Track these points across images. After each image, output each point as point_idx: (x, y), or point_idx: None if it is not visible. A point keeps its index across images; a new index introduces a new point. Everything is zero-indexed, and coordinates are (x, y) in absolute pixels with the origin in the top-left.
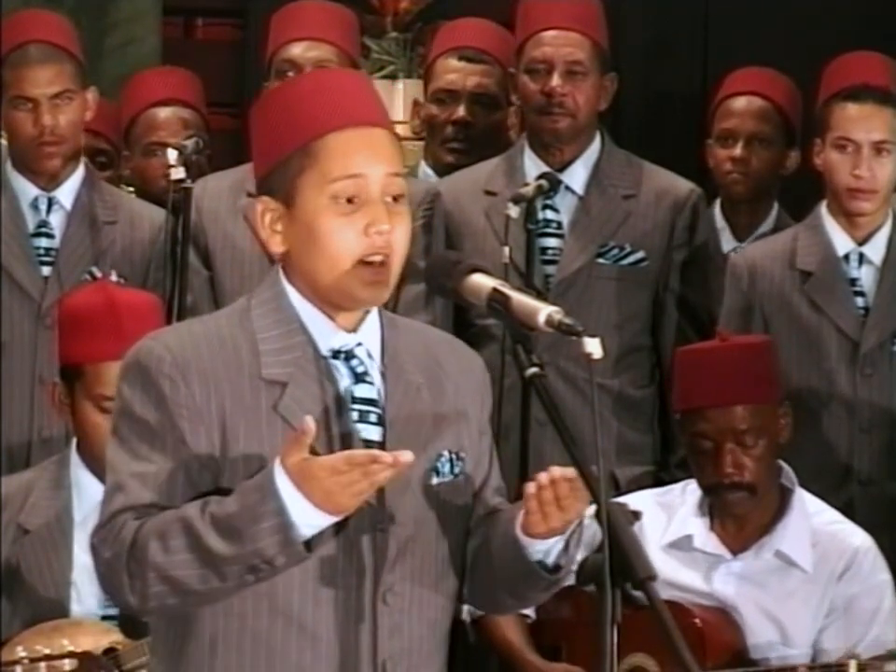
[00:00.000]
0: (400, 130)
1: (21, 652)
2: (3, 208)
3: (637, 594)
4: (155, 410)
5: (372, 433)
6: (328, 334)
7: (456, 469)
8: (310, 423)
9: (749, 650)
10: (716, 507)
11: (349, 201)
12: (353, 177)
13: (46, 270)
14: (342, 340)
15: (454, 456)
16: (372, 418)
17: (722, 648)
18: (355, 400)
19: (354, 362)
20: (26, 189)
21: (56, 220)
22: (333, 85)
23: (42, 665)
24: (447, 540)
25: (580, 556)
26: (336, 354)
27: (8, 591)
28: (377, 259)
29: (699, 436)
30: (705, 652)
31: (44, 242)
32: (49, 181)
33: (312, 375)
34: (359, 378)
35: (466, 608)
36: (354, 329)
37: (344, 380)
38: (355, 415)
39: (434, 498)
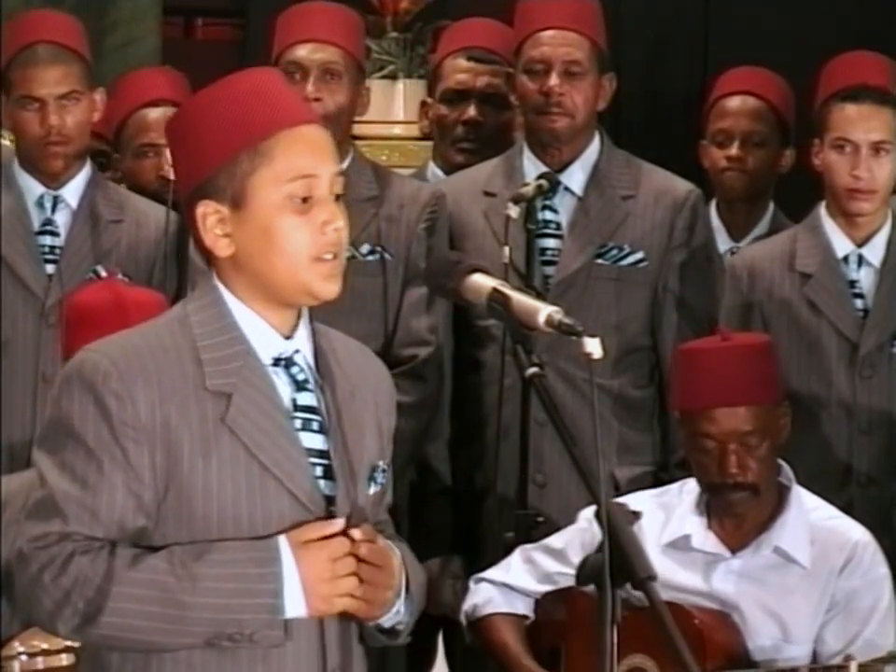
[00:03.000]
0: (400, 130)
1: (18, 648)
2: (9, 206)
3: (637, 594)
4: (96, 427)
5: (316, 441)
6: (267, 342)
7: (383, 480)
8: (342, 522)
9: (750, 648)
10: (717, 506)
11: (305, 200)
12: (307, 177)
13: (50, 268)
14: (281, 347)
15: (385, 467)
16: (314, 426)
17: (722, 649)
18: (297, 408)
19: (294, 370)
20: (32, 188)
21: (61, 219)
22: (267, 84)
23: (39, 659)
24: None
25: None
26: (276, 362)
27: (9, 592)
28: (330, 255)
29: (703, 436)
30: (705, 654)
31: (48, 240)
32: (55, 180)
33: (255, 385)
34: (300, 386)
35: (463, 608)
36: (290, 336)
37: (286, 388)
38: (298, 423)
39: (368, 508)
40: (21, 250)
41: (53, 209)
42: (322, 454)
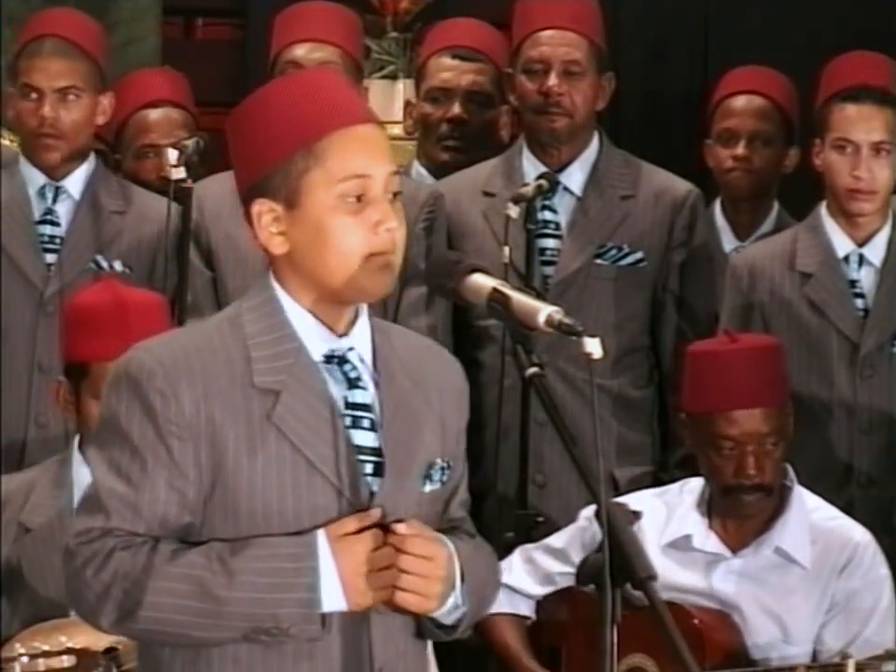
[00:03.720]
0: (400, 130)
1: (19, 649)
2: (10, 196)
3: (637, 593)
4: (141, 425)
5: (366, 439)
6: (319, 339)
7: (444, 478)
8: (378, 513)
9: (750, 648)
10: (728, 507)
11: (358, 199)
12: (359, 177)
13: (50, 257)
14: (334, 345)
15: (444, 464)
16: (365, 423)
17: (721, 648)
18: (348, 406)
19: (347, 367)
20: (34, 178)
21: (63, 209)
22: (323, 84)
23: (40, 661)
24: None
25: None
26: (329, 359)
27: (9, 591)
28: (382, 253)
29: (721, 438)
30: (704, 653)
31: (48, 229)
32: (54, 172)
33: (304, 383)
34: (353, 383)
35: None
36: (345, 334)
37: (338, 385)
38: (348, 421)
39: (423, 506)
40: (21, 240)
41: (54, 199)
42: (373, 451)
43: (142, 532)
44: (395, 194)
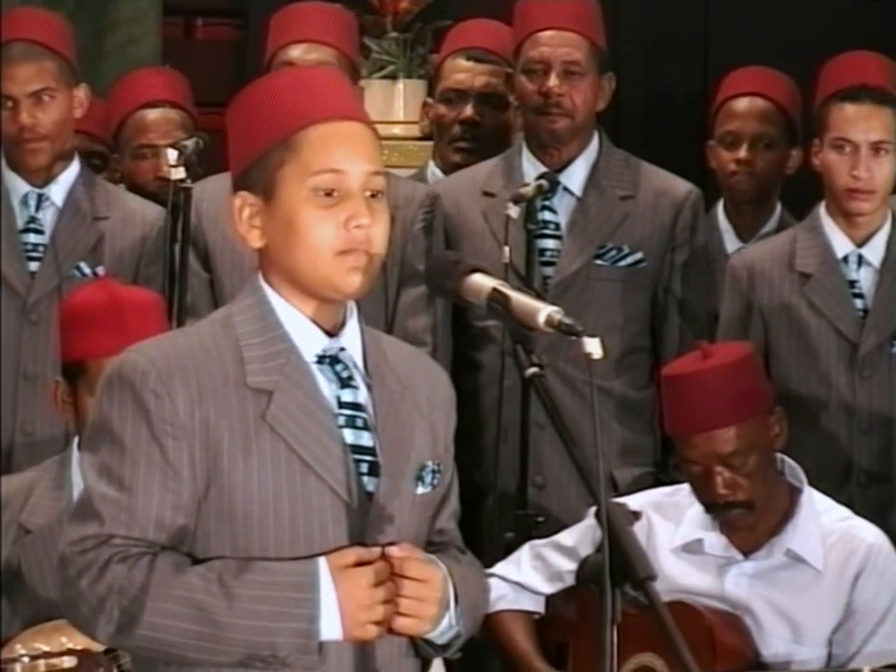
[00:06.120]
0: (400, 130)
1: (20, 650)
2: None
3: (637, 593)
4: (134, 426)
5: (360, 438)
6: (311, 339)
7: (435, 481)
8: (378, 551)
9: (763, 651)
10: (719, 522)
11: (329, 194)
12: (333, 172)
13: (34, 265)
14: (325, 344)
15: (436, 467)
16: (359, 423)
17: (732, 650)
18: (342, 405)
19: (339, 367)
20: (17, 186)
21: (46, 217)
22: (310, 80)
23: (41, 662)
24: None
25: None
26: (321, 359)
27: (9, 591)
28: (354, 250)
29: (687, 461)
30: (714, 654)
31: (32, 237)
32: (39, 178)
33: (297, 382)
34: (345, 383)
35: None
36: (335, 334)
37: (330, 385)
38: (342, 420)
39: (416, 508)
40: (4, 248)
41: (37, 207)
42: (367, 450)
43: (136, 536)
44: (374, 194)
